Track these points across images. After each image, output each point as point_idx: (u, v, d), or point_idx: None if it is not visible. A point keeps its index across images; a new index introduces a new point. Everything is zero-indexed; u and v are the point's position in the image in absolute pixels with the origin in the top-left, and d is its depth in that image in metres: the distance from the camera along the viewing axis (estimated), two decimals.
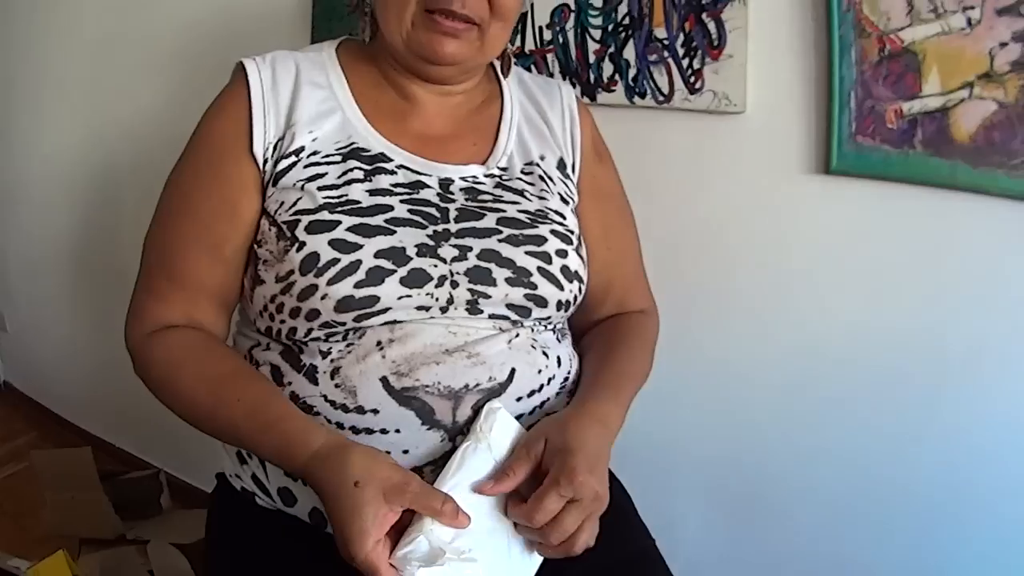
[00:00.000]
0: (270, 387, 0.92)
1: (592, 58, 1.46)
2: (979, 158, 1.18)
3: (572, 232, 1.02)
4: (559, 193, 1.05)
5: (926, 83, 1.21)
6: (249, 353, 0.99)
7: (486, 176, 1.03)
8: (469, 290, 0.91)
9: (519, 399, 0.94)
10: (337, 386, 0.89)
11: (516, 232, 0.96)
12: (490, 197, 1.00)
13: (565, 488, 0.83)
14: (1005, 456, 1.25)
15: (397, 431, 0.89)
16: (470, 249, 0.93)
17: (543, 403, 0.97)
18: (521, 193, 1.02)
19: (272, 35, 1.85)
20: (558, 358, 1.00)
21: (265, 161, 0.97)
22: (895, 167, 1.25)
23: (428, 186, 0.98)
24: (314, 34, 1.75)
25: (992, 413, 1.26)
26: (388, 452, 0.88)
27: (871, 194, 1.29)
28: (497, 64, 1.14)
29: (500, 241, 0.94)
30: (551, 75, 1.47)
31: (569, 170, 1.10)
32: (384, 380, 0.89)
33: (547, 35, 1.50)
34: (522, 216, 0.98)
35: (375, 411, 0.89)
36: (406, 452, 0.89)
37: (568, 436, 0.87)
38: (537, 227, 0.98)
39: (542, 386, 0.96)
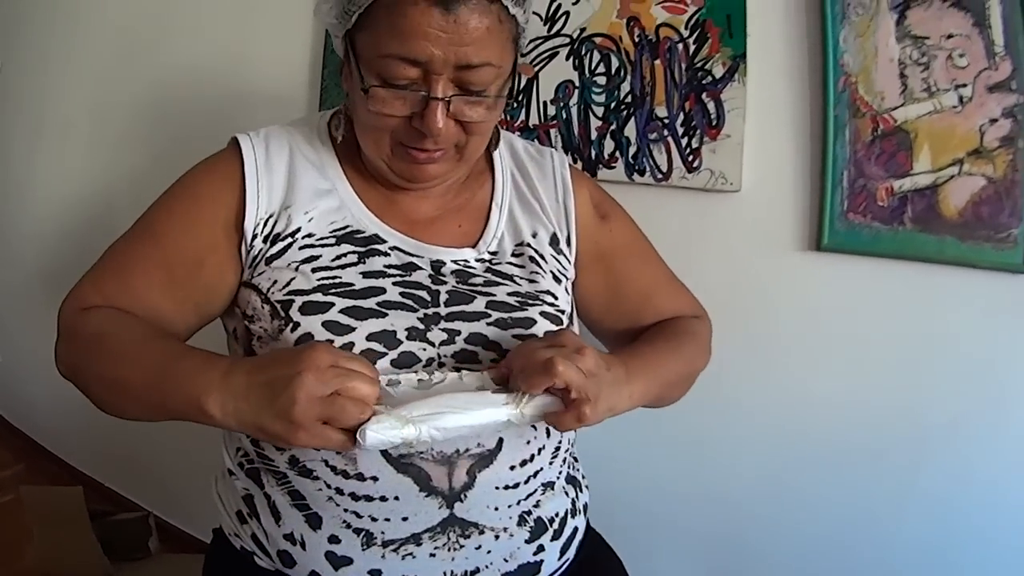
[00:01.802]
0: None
1: (594, 135, 1.49)
2: (967, 232, 1.21)
3: (563, 312, 1.04)
4: (551, 271, 1.07)
5: (917, 161, 1.24)
6: None
7: (477, 261, 1.04)
8: (455, 368, 0.93)
9: (512, 467, 0.95)
10: (338, 452, 0.91)
11: (505, 315, 0.97)
12: (481, 281, 1.01)
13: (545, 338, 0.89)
14: (985, 529, 1.27)
15: (396, 498, 0.90)
16: (458, 333, 0.95)
17: (536, 472, 0.98)
18: (511, 278, 1.03)
19: (282, 93, 1.88)
20: (547, 428, 1.01)
21: (254, 236, 0.98)
22: (885, 243, 1.28)
23: (420, 268, 1.00)
24: (323, 96, 1.78)
25: (973, 484, 1.28)
26: (388, 519, 0.90)
27: (861, 270, 1.32)
28: None
29: (488, 325, 0.96)
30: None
31: (563, 245, 1.10)
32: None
33: (551, 110, 1.53)
34: (511, 300, 1.00)
35: (375, 478, 0.90)
36: (405, 519, 0.91)
37: None
38: (526, 310, 0.99)
39: (533, 456, 0.98)
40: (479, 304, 0.98)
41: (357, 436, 0.77)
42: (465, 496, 0.92)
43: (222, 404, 0.81)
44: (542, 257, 1.07)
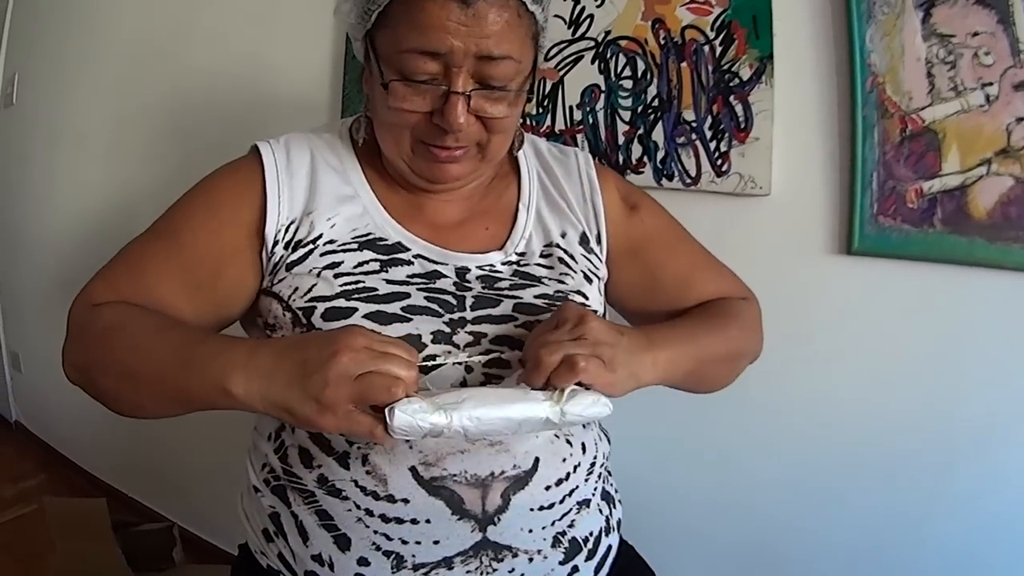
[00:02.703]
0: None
1: (621, 139, 1.48)
2: (996, 234, 1.20)
3: (595, 312, 1.00)
4: (582, 271, 1.05)
5: (946, 162, 1.23)
6: (276, 433, 0.98)
7: (503, 264, 1.02)
8: (484, 374, 0.91)
9: (548, 488, 0.93)
10: (368, 472, 0.89)
11: (532, 318, 0.95)
12: (507, 284, 0.99)
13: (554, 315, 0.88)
14: (1017, 532, 1.25)
15: (428, 521, 0.88)
16: (484, 335, 0.93)
17: (572, 491, 0.96)
18: (539, 280, 1.01)
19: (303, 100, 1.88)
20: (583, 444, 0.99)
21: (275, 243, 0.96)
22: (915, 246, 1.26)
23: (445, 275, 0.98)
24: (344, 103, 1.76)
25: (1005, 486, 1.26)
26: (419, 542, 0.88)
27: (891, 273, 1.31)
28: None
29: (516, 327, 0.94)
30: None
31: (593, 243, 1.08)
32: (413, 470, 0.88)
33: (577, 115, 1.51)
34: (539, 301, 0.97)
35: (406, 500, 0.88)
36: (437, 543, 0.89)
37: None
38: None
39: (568, 474, 0.95)
40: (506, 307, 0.96)
41: (386, 416, 0.74)
42: (499, 519, 0.90)
43: (246, 382, 0.78)
44: (572, 257, 1.05)
